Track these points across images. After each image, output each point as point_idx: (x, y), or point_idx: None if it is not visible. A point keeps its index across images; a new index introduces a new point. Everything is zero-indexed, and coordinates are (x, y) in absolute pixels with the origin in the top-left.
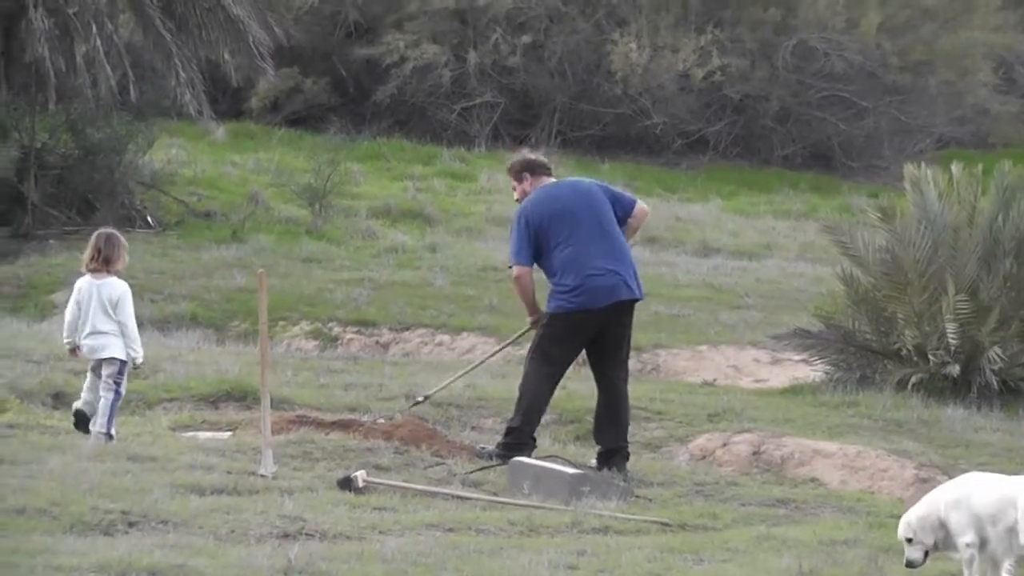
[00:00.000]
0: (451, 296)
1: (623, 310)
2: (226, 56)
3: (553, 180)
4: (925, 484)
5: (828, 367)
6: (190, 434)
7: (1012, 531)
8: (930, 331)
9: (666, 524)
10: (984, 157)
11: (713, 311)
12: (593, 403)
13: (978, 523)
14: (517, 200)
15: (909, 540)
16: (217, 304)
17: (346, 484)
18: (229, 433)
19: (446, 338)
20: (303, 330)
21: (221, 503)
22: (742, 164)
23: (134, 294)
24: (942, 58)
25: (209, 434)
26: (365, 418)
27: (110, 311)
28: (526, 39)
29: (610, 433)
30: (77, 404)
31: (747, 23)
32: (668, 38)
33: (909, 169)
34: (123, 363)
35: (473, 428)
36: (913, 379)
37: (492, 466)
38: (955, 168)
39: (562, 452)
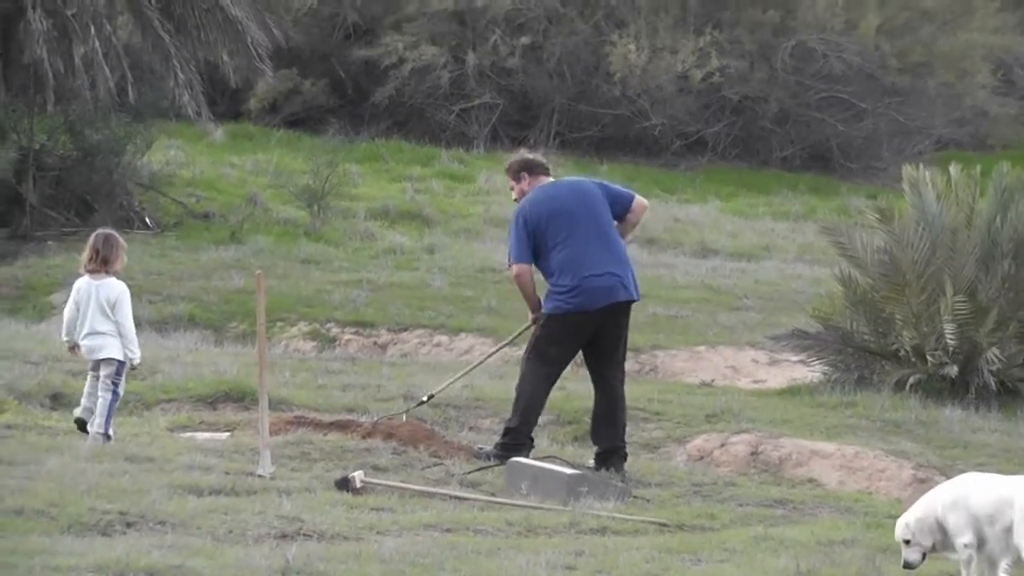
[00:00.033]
0: (449, 297)
1: (620, 311)
2: (225, 57)
3: (551, 180)
4: (923, 484)
5: (826, 368)
6: (188, 435)
7: (1009, 531)
8: (928, 332)
9: (664, 524)
10: (982, 159)
11: (711, 312)
12: (591, 404)
13: (976, 523)
14: (515, 200)
15: (907, 542)
16: (215, 305)
17: (344, 484)
18: (227, 434)
19: (444, 339)
20: (301, 331)
21: (219, 504)
22: (741, 165)
23: (132, 295)
24: (941, 60)
25: (207, 435)
26: (364, 419)
27: (108, 312)
28: (525, 40)
29: (607, 433)
30: (77, 412)
31: (746, 24)
32: (667, 39)
33: (907, 170)
34: (121, 363)
35: (471, 428)
36: (911, 380)
37: (490, 466)
38: (953, 169)
39: (560, 453)
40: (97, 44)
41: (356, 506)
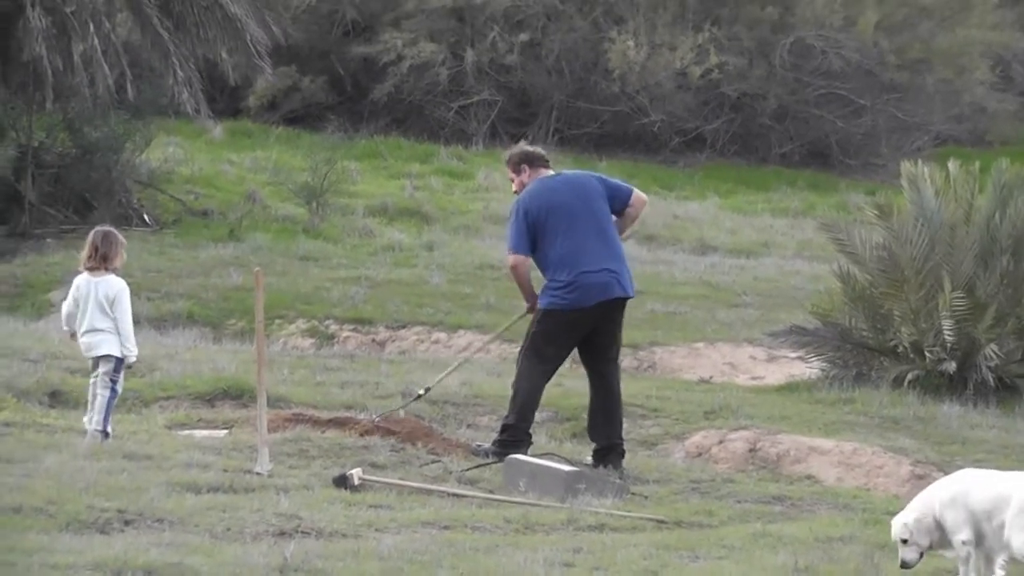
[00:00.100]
0: (448, 294)
1: (615, 308)
2: (224, 55)
3: (551, 173)
4: (921, 481)
5: (824, 364)
6: (186, 432)
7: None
8: (926, 328)
9: (662, 521)
10: (981, 155)
11: (710, 309)
12: (588, 400)
13: (974, 520)
14: (515, 192)
15: (904, 541)
16: (214, 302)
17: (342, 482)
18: (225, 431)
19: (443, 336)
20: (299, 328)
21: (217, 501)
22: (740, 162)
23: (131, 292)
24: (939, 56)
25: (205, 432)
26: (362, 416)
27: (107, 309)
28: (523, 37)
29: (605, 430)
30: (85, 420)
31: (745, 21)
32: (665, 36)
33: (906, 167)
34: (119, 360)
35: (469, 426)
36: (909, 376)
37: (488, 463)
38: (952, 166)
39: (558, 449)
40: (96, 41)
41: (354, 503)
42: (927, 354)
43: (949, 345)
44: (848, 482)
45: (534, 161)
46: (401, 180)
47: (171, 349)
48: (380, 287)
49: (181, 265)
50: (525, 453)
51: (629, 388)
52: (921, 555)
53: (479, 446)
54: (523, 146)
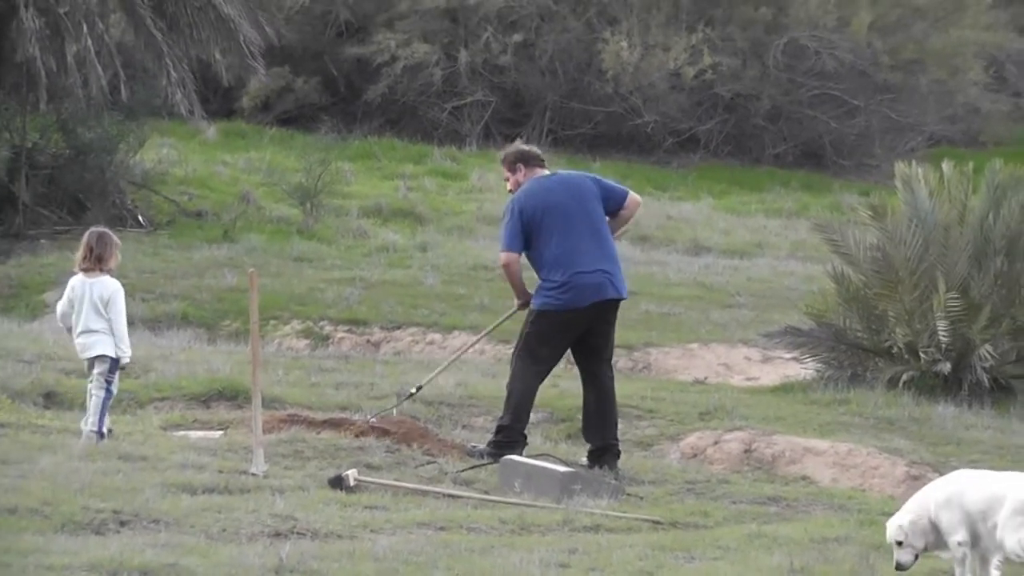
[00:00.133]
0: (442, 295)
1: (609, 309)
2: (217, 55)
3: (547, 172)
4: (916, 482)
5: (819, 365)
6: (181, 433)
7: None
8: (921, 329)
9: (657, 522)
10: (975, 155)
11: (704, 309)
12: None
13: (969, 521)
14: (510, 191)
15: (899, 543)
16: (208, 303)
17: (337, 483)
18: (220, 432)
19: (437, 337)
20: (294, 329)
21: (212, 502)
22: (733, 163)
23: (125, 294)
24: (933, 57)
25: (200, 433)
26: (357, 417)
27: (102, 310)
28: (517, 38)
29: (600, 431)
30: (82, 423)
31: (738, 22)
32: (659, 37)
33: (900, 167)
34: (114, 361)
35: (464, 426)
36: (904, 377)
37: (483, 464)
38: (946, 166)
39: (553, 450)
40: (89, 42)
41: (350, 504)
42: (922, 355)
43: (944, 346)
44: (843, 483)
45: (530, 160)
46: (395, 181)
47: (166, 350)
48: (374, 288)
49: (175, 266)
50: (520, 454)
51: (624, 389)
52: (916, 557)
53: (474, 447)
54: (519, 145)
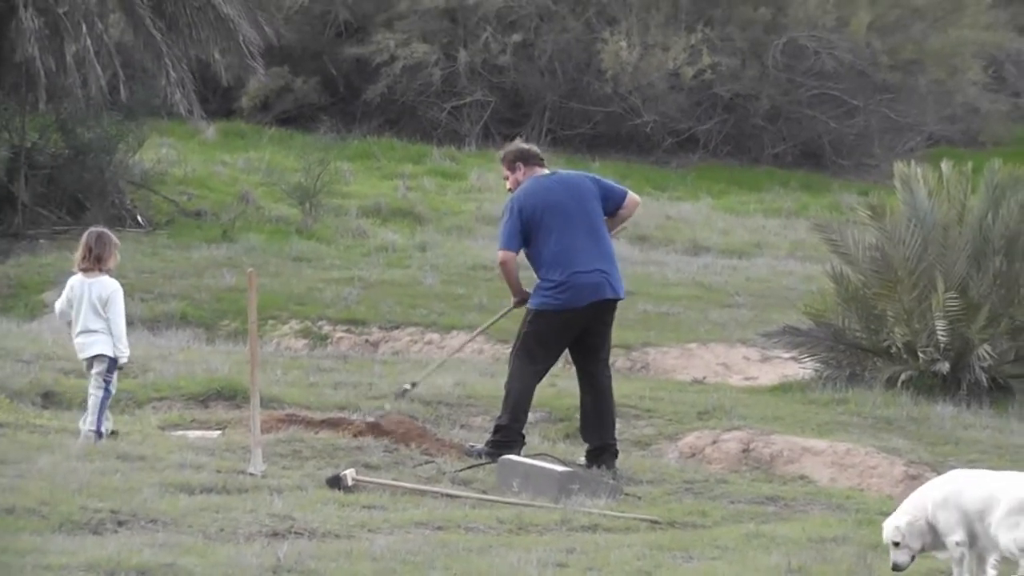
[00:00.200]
0: (441, 295)
1: (606, 309)
2: (216, 55)
3: (546, 171)
4: (914, 481)
5: (818, 365)
6: (179, 433)
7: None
8: (920, 329)
9: (655, 522)
10: (974, 155)
11: (703, 309)
12: None
13: (967, 520)
14: (509, 190)
15: (896, 544)
16: (207, 303)
17: (335, 482)
18: (218, 432)
19: (436, 336)
20: (293, 329)
21: (210, 502)
22: (732, 163)
23: (124, 293)
24: (932, 57)
25: (198, 433)
26: (355, 417)
27: (100, 310)
28: (516, 38)
29: (597, 431)
30: (80, 422)
31: (737, 22)
32: (658, 37)
33: (899, 167)
34: (112, 360)
35: (462, 426)
36: (903, 376)
37: (481, 464)
38: (945, 166)
39: (551, 450)
40: (89, 42)
41: (347, 504)
42: (920, 354)
43: (942, 345)
44: (841, 482)
45: (529, 159)
46: (394, 181)
47: (164, 350)
48: (373, 288)
49: (174, 266)
50: (518, 453)
51: (622, 389)
52: (912, 558)
53: (472, 447)
54: (519, 144)
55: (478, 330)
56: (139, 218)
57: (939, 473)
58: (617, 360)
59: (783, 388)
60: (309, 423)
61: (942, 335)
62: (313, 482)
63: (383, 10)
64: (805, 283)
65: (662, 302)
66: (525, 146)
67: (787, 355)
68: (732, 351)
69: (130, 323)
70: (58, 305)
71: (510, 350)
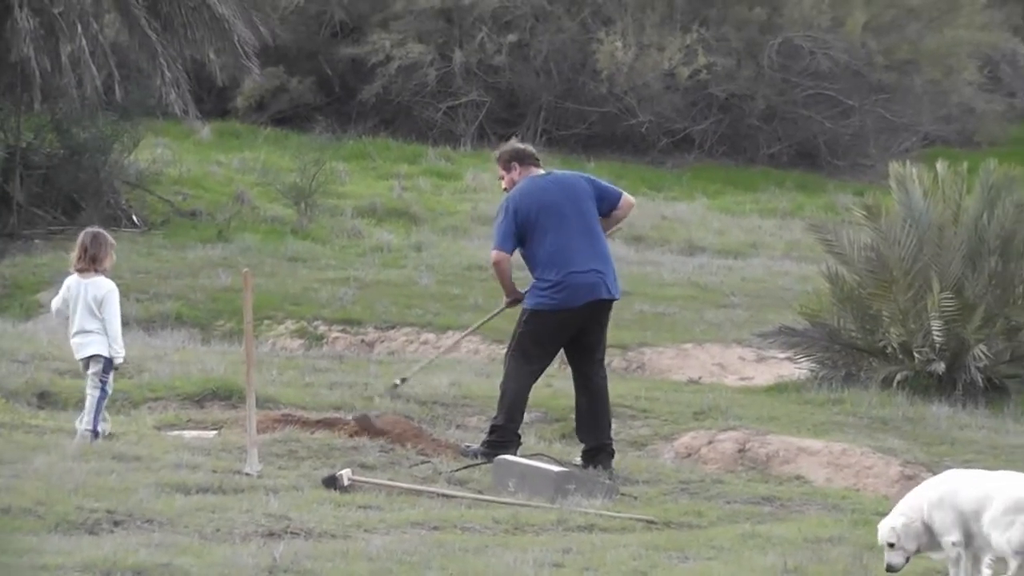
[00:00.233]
0: (436, 295)
1: (602, 309)
2: (211, 55)
3: (541, 172)
4: (910, 481)
5: (813, 365)
6: (175, 433)
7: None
8: (915, 329)
9: (651, 522)
10: (969, 156)
11: (698, 309)
12: None
13: (963, 520)
14: (504, 190)
15: (891, 545)
16: (202, 303)
17: (331, 482)
18: (214, 432)
19: (431, 337)
20: (288, 329)
21: (206, 502)
22: (728, 163)
23: (120, 294)
24: (927, 57)
25: (194, 433)
26: (351, 417)
27: (95, 310)
28: (512, 38)
29: (593, 431)
30: (76, 422)
31: (733, 22)
32: (654, 37)
33: (894, 167)
34: (108, 360)
35: (458, 426)
36: (898, 377)
37: (477, 464)
38: (940, 166)
39: (547, 450)
40: (84, 42)
41: (343, 504)
42: (916, 355)
43: (938, 346)
44: (837, 483)
45: (525, 159)
46: (389, 181)
47: (160, 350)
48: (369, 288)
49: (169, 266)
50: (514, 454)
51: (618, 389)
52: (907, 559)
53: (468, 447)
54: (514, 144)
55: (469, 329)
56: (134, 218)
57: (935, 473)
58: (613, 360)
59: (779, 388)
60: (305, 423)
61: (938, 335)
62: (309, 482)
63: (378, 10)
64: (801, 283)
65: (658, 302)
66: (520, 146)
67: (783, 355)
68: (728, 351)
69: (125, 323)
70: (54, 303)
71: (506, 350)
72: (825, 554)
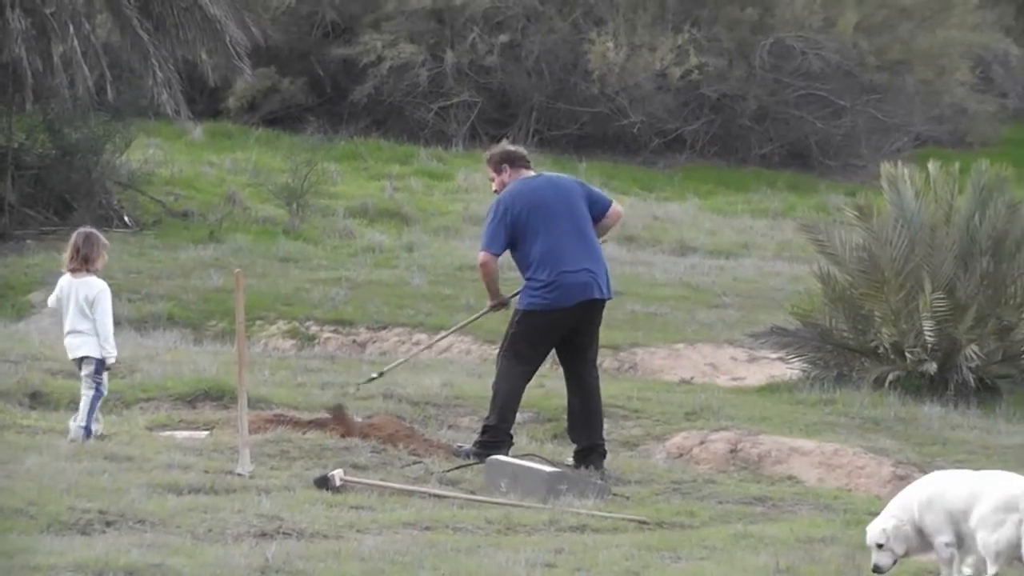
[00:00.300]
0: (428, 295)
1: (594, 308)
2: (203, 56)
3: (532, 173)
4: (902, 481)
5: (805, 365)
6: (167, 433)
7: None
8: (907, 329)
9: (643, 522)
10: (961, 156)
11: (690, 310)
12: None
13: (953, 520)
14: (495, 191)
15: (880, 546)
16: (194, 304)
17: (323, 483)
18: (206, 432)
19: (423, 337)
20: (280, 329)
21: (198, 502)
22: (719, 163)
23: (112, 294)
24: (919, 57)
25: (186, 433)
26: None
27: (87, 310)
28: (503, 38)
29: (585, 431)
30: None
31: (724, 22)
32: (645, 37)
33: (886, 168)
34: (100, 361)
35: (450, 427)
36: (890, 377)
37: (469, 464)
38: (932, 167)
39: (539, 450)
40: (76, 43)
41: (335, 504)
42: (908, 355)
43: (930, 346)
44: (829, 483)
45: (515, 161)
46: (381, 181)
47: (152, 350)
48: (360, 288)
49: (161, 266)
50: (506, 454)
51: (610, 389)
52: (895, 561)
53: (460, 447)
54: (505, 145)
55: (452, 328)
56: (126, 218)
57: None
58: (605, 360)
59: (771, 388)
60: (297, 423)
61: (929, 335)
62: (301, 482)
63: (370, 11)
64: (792, 283)
65: (650, 302)
66: (511, 148)
67: (775, 355)
68: (720, 351)
69: (117, 323)
70: (50, 301)
71: (497, 351)
72: (817, 554)
